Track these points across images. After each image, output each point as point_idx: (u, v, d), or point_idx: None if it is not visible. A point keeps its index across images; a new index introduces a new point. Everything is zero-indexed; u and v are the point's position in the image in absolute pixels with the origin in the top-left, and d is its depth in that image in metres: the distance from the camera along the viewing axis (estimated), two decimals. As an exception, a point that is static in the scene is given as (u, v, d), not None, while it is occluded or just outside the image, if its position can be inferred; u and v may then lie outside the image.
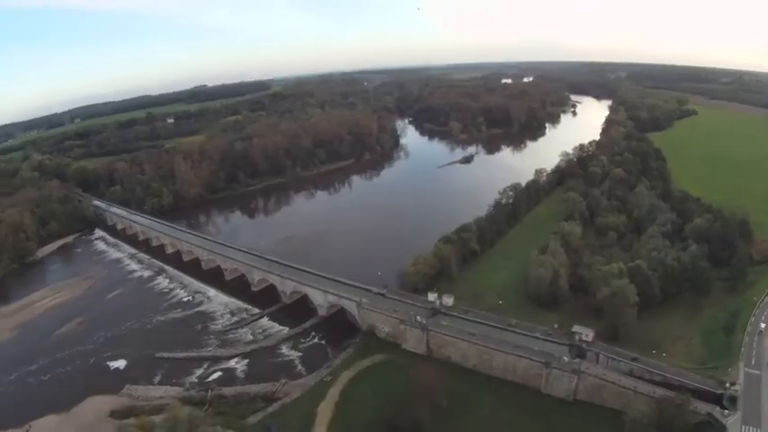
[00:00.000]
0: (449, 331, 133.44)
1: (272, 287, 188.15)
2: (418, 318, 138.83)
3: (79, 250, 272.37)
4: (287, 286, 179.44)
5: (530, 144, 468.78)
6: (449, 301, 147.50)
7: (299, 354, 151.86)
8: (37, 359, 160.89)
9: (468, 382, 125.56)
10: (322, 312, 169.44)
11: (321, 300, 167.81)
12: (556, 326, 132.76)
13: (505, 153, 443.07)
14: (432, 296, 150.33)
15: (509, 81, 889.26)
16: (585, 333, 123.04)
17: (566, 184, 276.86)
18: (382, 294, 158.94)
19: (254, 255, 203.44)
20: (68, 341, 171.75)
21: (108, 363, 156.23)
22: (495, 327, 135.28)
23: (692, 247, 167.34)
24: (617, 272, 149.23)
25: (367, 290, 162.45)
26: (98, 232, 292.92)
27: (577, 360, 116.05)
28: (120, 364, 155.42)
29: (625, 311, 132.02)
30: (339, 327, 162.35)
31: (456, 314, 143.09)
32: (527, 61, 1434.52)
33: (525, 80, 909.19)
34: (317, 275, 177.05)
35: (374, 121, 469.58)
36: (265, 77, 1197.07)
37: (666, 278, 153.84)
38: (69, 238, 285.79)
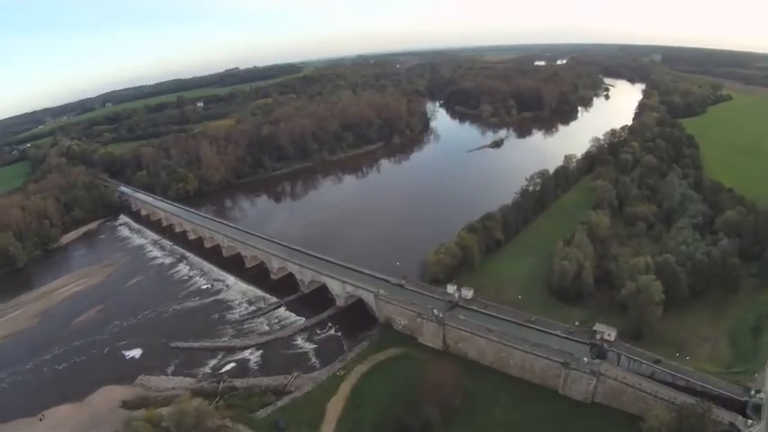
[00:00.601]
0: (466, 326, 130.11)
1: (291, 276, 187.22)
2: (435, 311, 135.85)
3: (103, 236, 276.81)
4: (305, 275, 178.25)
5: (561, 128, 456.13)
6: (468, 294, 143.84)
7: (314, 346, 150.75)
8: (54, 348, 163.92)
9: (484, 380, 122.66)
10: (340, 303, 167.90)
11: (339, 290, 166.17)
12: (577, 323, 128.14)
13: (536, 137, 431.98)
14: (451, 288, 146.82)
15: (542, 64, 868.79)
16: (608, 332, 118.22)
17: (595, 170, 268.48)
18: (401, 285, 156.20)
19: (273, 242, 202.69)
20: (86, 329, 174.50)
21: (123, 352, 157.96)
22: (515, 323, 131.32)
23: (723, 241, 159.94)
24: (643, 267, 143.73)
25: (386, 280, 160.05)
26: (122, 218, 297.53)
27: (597, 361, 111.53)
28: (136, 353, 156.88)
29: (649, 310, 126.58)
30: (357, 318, 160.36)
31: (475, 308, 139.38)
32: (560, 44, 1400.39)
33: (559, 63, 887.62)
34: (336, 264, 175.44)
35: (404, 104, 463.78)
36: (297, 60, 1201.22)
37: (695, 274, 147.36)
38: (94, 225, 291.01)
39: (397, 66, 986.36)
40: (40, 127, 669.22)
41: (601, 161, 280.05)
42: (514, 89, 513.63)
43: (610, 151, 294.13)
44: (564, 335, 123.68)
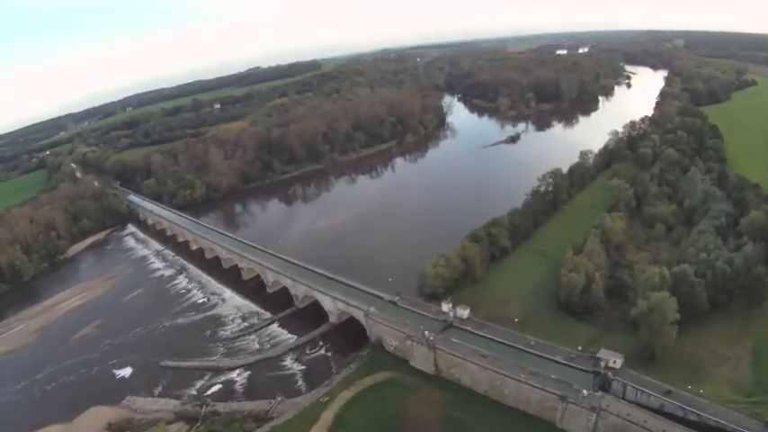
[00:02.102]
0: (458, 351, 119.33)
1: (286, 289, 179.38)
2: (426, 333, 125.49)
3: (109, 247, 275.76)
4: (299, 290, 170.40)
5: (582, 119, 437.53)
6: (464, 313, 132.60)
7: (302, 367, 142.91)
8: (48, 366, 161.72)
9: (477, 410, 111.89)
10: (333, 319, 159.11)
11: (331, 306, 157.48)
12: (580, 348, 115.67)
13: (555, 130, 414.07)
14: (445, 307, 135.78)
15: (564, 52, 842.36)
16: (613, 359, 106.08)
17: (612, 167, 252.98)
18: (394, 303, 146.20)
19: (268, 253, 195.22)
20: (82, 347, 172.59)
21: (114, 371, 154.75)
22: (512, 346, 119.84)
23: (748, 246, 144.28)
24: (658, 279, 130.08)
25: (379, 297, 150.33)
26: (130, 228, 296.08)
27: (599, 394, 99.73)
28: (126, 372, 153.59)
29: (663, 330, 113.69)
30: (350, 336, 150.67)
31: (470, 329, 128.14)
32: (583, 32, 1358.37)
33: (581, 51, 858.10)
34: (329, 278, 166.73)
35: (418, 99, 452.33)
36: (320, 57, 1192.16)
37: (716, 285, 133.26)
38: (101, 235, 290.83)
39: (417, 60, 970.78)
40: (61, 133, 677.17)
41: (618, 157, 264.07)
42: (533, 80, 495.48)
43: (628, 145, 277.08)
44: (565, 361, 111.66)
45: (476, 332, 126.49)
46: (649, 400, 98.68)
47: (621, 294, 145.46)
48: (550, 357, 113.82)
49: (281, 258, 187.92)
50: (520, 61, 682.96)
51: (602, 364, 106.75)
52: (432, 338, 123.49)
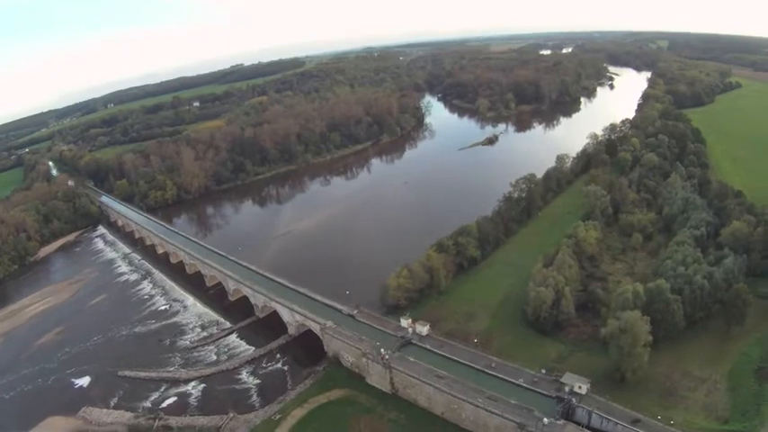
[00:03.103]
0: (414, 371, 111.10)
1: (246, 298, 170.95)
2: (382, 351, 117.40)
3: (78, 249, 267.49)
4: (258, 299, 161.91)
5: (563, 121, 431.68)
6: (423, 329, 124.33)
7: (258, 381, 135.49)
8: (9, 374, 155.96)
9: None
10: (292, 331, 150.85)
11: (289, 318, 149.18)
12: (544, 371, 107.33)
13: (534, 132, 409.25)
14: (404, 322, 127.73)
15: (548, 53, 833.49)
16: (578, 384, 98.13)
17: (590, 172, 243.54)
18: (353, 316, 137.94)
19: (229, 260, 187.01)
20: (42, 354, 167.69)
21: (73, 380, 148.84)
22: (472, 367, 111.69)
23: (728, 259, 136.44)
24: (631, 296, 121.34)
25: (337, 310, 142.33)
26: (100, 229, 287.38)
27: (561, 422, 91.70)
28: (85, 381, 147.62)
29: (634, 353, 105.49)
30: (308, 349, 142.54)
31: (429, 347, 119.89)
32: (567, 32, 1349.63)
33: (564, 51, 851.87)
34: (289, 288, 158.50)
35: (395, 99, 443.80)
36: (303, 54, 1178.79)
37: (693, 301, 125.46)
38: (71, 237, 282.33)
39: (401, 58, 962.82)
40: (43, 130, 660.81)
41: (597, 161, 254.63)
42: (513, 81, 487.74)
43: (607, 149, 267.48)
44: (527, 385, 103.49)
45: (435, 350, 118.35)
46: (616, 429, 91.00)
47: (594, 309, 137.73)
48: (512, 380, 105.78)
49: (243, 266, 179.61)
50: (501, 61, 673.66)
51: (567, 389, 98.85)
52: (387, 357, 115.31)
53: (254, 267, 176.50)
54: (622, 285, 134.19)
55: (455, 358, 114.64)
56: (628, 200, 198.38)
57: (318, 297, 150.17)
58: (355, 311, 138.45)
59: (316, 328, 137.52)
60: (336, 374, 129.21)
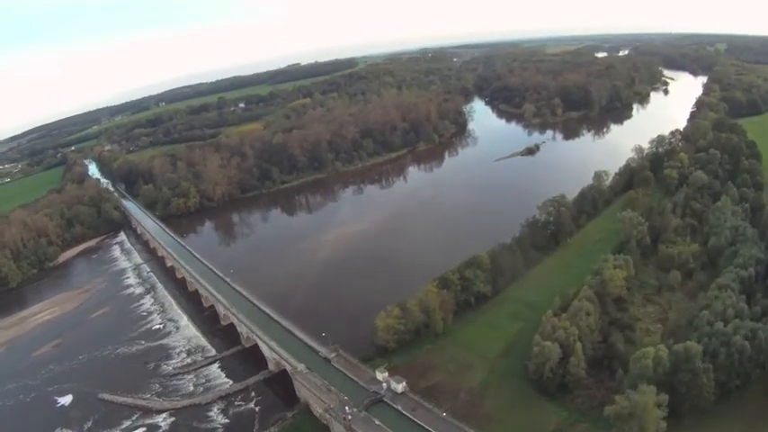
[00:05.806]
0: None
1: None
2: (346, 408, 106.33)
3: (95, 256, 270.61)
4: (243, 329, 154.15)
5: (613, 129, 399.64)
6: (398, 387, 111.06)
7: (226, 421, 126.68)
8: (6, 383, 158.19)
9: None
10: (271, 367, 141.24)
11: (269, 353, 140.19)
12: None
13: (581, 141, 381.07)
14: (380, 375, 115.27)
15: (603, 55, 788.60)
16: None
17: (628, 193, 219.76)
18: (329, 360, 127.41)
19: (224, 281, 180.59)
20: (35, 367, 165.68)
21: (56, 397, 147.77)
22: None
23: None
24: (651, 363, 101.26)
25: (315, 351, 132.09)
26: (121, 236, 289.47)
27: None
28: (67, 400, 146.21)
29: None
30: (284, 390, 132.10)
31: (400, 408, 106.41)
32: (626, 33, 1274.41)
33: (621, 53, 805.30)
34: (273, 320, 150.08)
35: (434, 105, 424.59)
36: (360, 54, 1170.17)
37: (729, 366, 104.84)
38: (93, 242, 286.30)
39: (454, 60, 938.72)
40: (94, 127, 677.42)
41: (639, 179, 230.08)
42: (561, 85, 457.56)
43: (652, 165, 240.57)
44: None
45: (406, 413, 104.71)
46: None
47: (610, 368, 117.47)
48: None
49: (234, 289, 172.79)
50: (552, 64, 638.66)
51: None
52: (350, 417, 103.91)
53: (245, 293, 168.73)
54: (647, 340, 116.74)
55: (426, 427, 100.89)
56: (669, 227, 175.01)
57: (300, 334, 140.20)
58: (333, 355, 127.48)
59: (290, 369, 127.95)
60: (304, 425, 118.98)
